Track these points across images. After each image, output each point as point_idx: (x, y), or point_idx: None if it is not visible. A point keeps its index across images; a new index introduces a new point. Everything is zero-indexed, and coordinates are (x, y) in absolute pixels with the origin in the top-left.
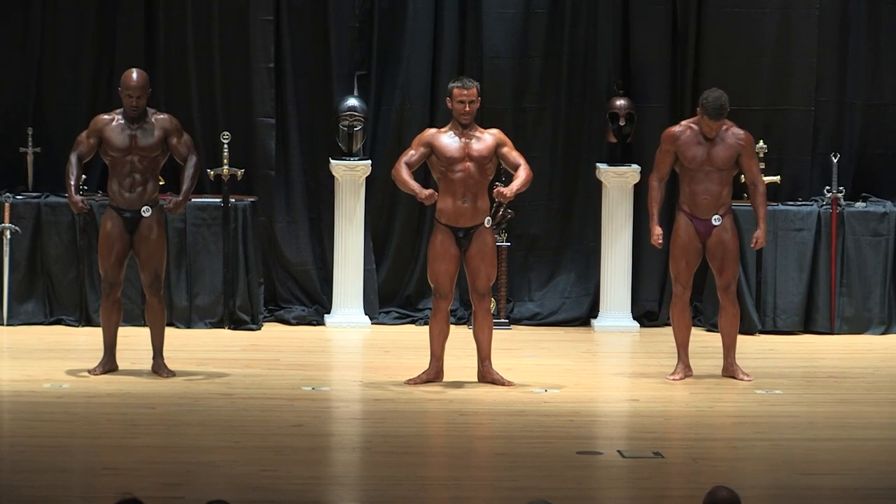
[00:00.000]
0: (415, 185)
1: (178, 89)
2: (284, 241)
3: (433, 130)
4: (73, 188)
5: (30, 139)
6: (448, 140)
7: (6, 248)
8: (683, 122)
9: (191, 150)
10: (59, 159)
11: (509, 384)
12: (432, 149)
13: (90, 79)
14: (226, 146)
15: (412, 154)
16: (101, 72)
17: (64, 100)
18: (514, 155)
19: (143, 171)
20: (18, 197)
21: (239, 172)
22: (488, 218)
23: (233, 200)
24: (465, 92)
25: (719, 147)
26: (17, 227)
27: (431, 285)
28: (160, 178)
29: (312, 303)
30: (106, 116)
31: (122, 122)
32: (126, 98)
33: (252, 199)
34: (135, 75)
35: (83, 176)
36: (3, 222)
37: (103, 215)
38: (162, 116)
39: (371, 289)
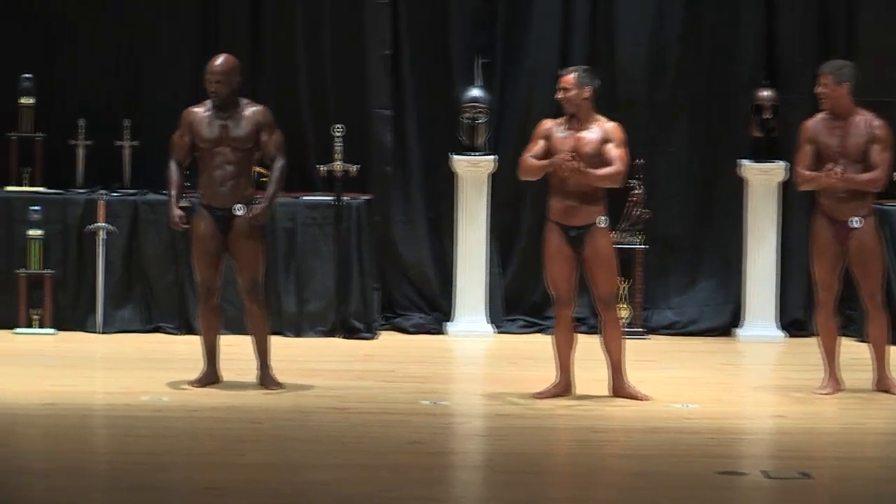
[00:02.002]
0: (546, 162)
1: (286, 79)
2: (401, 243)
3: (549, 122)
4: (174, 199)
5: (126, 132)
6: (560, 133)
7: (101, 250)
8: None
9: (279, 151)
10: (157, 153)
11: (645, 398)
12: (548, 140)
13: (191, 66)
14: (338, 140)
15: (534, 150)
16: (203, 59)
17: (163, 89)
18: (614, 153)
19: (236, 165)
20: (114, 194)
21: (352, 168)
22: (602, 217)
23: (346, 198)
24: (562, 78)
25: (852, 136)
26: (112, 227)
27: (550, 292)
28: (256, 170)
29: (432, 309)
30: (195, 108)
31: (212, 111)
32: (207, 84)
33: (366, 198)
34: (218, 59)
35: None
36: (97, 221)
37: (194, 216)
38: (255, 108)
39: (495, 294)
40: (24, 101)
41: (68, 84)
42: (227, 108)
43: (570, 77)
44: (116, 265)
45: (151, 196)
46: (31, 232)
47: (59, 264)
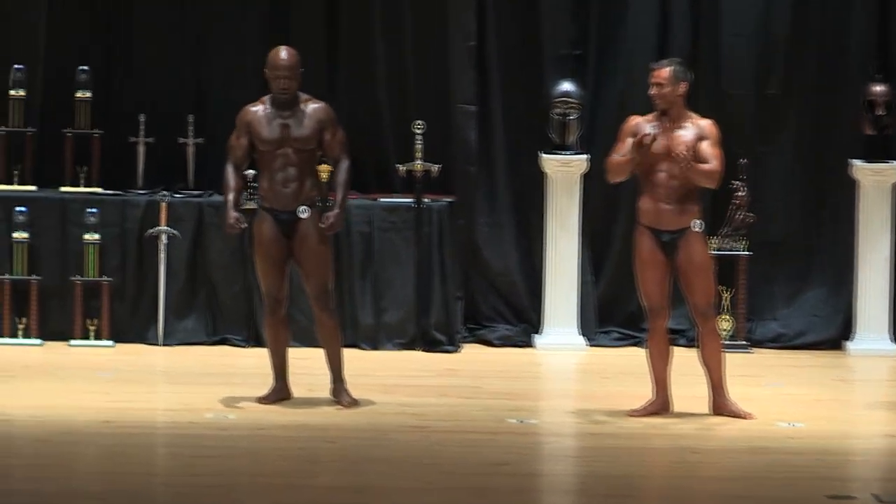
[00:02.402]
0: (628, 154)
1: (362, 72)
2: (487, 249)
3: (638, 118)
4: (230, 202)
5: (190, 128)
6: (650, 131)
7: (162, 255)
8: None
9: (343, 151)
10: (224, 151)
11: (747, 416)
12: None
13: (259, 59)
14: (419, 138)
15: (620, 150)
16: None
17: (230, 84)
18: (710, 152)
19: (299, 166)
20: (177, 195)
21: (434, 168)
22: (697, 221)
23: (427, 200)
24: (654, 72)
25: None
26: (175, 231)
27: (642, 302)
28: (319, 170)
29: (519, 321)
30: (252, 107)
31: (271, 110)
32: (274, 80)
33: (449, 200)
34: (283, 53)
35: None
36: (158, 225)
37: (255, 219)
38: (317, 105)
39: (588, 304)
40: (81, 94)
41: (128, 77)
42: (288, 105)
43: (664, 71)
44: (179, 272)
45: (217, 197)
46: (88, 236)
47: (117, 271)
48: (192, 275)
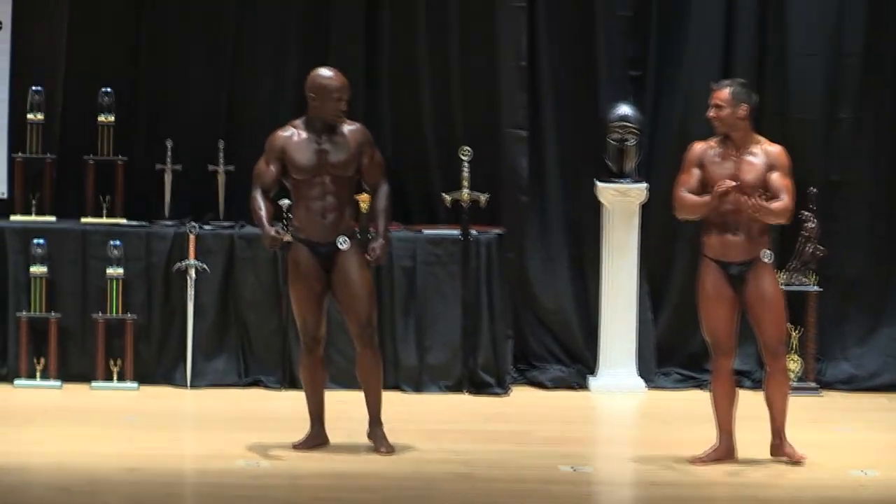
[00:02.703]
0: (707, 199)
1: (405, 95)
2: (538, 284)
3: (701, 144)
4: (264, 219)
5: (221, 155)
6: (715, 157)
7: (191, 291)
8: None
9: (382, 175)
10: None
11: (801, 458)
12: (702, 168)
13: (297, 81)
14: (465, 164)
15: (689, 182)
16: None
17: (264, 108)
18: (780, 183)
19: (337, 194)
20: (206, 227)
21: (482, 198)
22: (767, 251)
23: (474, 232)
24: (714, 93)
25: None
26: (204, 265)
27: (706, 339)
28: (359, 200)
29: (573, 361)
30: (284, 132)
31: (306, 135)
32: (329, 102)
33: (498, 231)
34: (333, 73)
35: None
36: (186, 258)
37: (289, 252)
38: (352, 127)
39: (647, 344)
40: (104, 118)
41: (154, 100)
42: (325, 129)
43: (723, 92)
44: (208, 309)
45: (249, 229)
46: (111, 270)
47: (142, 308)
48: (222, 312)
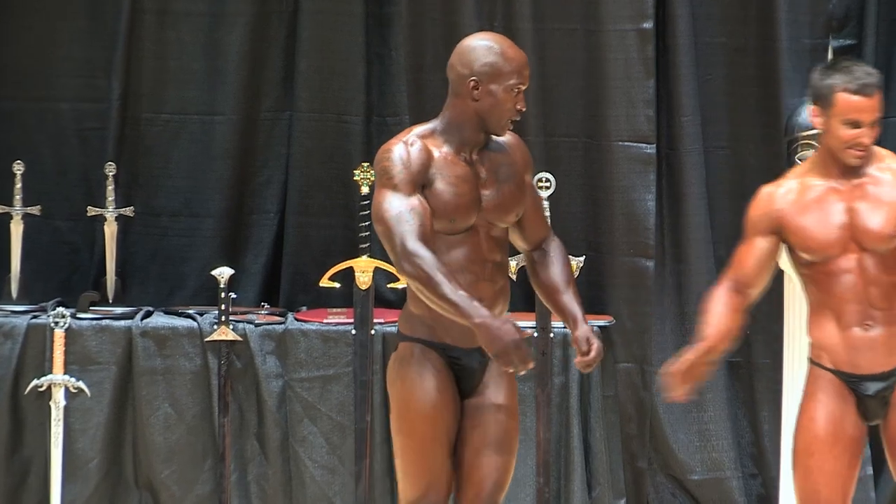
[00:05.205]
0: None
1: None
2: None
3: (770, 189)
4: (475, 305)
5: (110, 187)
6: (813, 203)
7: (57, 430)
8: None
9: (546, 219)
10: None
11: None
12: (781, 230)
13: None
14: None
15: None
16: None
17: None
18: None
19: (501, 250)
20: (85, 316)
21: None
22: None
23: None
24: (861, 101)
25: None
26: (80, 383)
27: (797, 496)
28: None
29: None
30: (421, 146)
31: (448, 149)
32: (510, 93)
33: None
34: (508, 43)
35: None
36: (50, 371)
37: (396, 356)
38: (508, 138)
39: None
40: None
41: None
42: (474, 143)
43: (876, 98)
44: (88, 464)
45: (164, 320)
46: None
47: None
48: (114, 469)
